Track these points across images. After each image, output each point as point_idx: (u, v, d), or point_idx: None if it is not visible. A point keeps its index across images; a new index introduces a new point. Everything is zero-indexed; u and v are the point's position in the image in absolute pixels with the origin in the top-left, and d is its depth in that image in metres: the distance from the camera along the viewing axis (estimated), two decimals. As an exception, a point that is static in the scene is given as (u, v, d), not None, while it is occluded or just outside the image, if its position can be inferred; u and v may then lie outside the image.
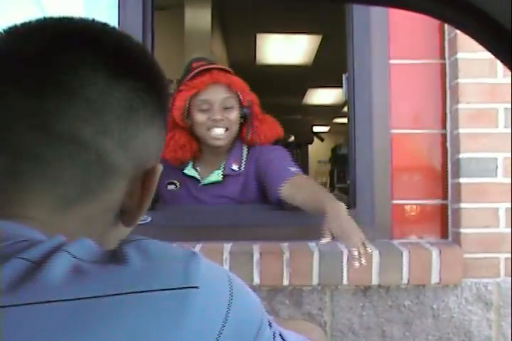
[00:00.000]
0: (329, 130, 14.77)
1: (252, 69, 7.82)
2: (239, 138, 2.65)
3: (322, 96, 11.19)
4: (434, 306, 2.42)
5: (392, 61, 2.59)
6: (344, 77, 2.67)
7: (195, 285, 0.64)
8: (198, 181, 2.69)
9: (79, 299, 0.60)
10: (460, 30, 0.86)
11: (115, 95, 0.75)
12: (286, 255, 2.33)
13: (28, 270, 0.62)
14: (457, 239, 2.46)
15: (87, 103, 0.73)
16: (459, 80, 2.43)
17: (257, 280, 2.34)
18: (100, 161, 0.75)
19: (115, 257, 0.66)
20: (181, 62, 5.46)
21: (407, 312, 2.42)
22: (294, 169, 2.42)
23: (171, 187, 2.71)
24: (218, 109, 2.53)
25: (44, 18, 0.80)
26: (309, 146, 8.26)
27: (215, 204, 2.65)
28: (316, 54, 8.23)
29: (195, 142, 2.64)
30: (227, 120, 2.54)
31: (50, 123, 0.72)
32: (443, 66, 2.56)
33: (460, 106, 2.45)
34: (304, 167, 8.41)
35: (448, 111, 2.57)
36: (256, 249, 2.36)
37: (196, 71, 2.56)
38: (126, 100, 0.76)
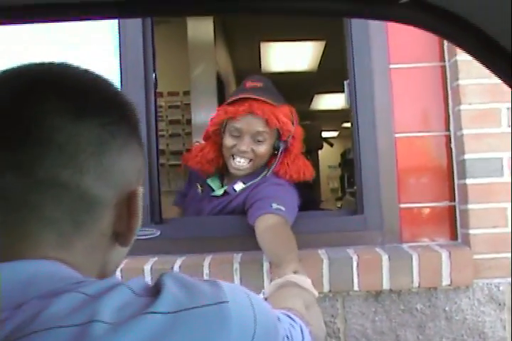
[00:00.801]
0: (338, 135, 14.77)
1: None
2: (265, 165, 2.66)
3: (329, 102, 11.18)
4: (447, 308, 2.42)
5: (392, 65, 2.60)
6: (346, 83, 2.67)
7: (225, 300, 0.77)
8: (213, 190, 2.72)
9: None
10: (461, 48, 0.88)
11: (84, 135, 0.80)
12: (296, 263, 2.34)
13: (85, 301, 0.72)
14: (467, 240, 2.47)
15: (59, 148, 0.78)
16: (460, 82, 2.43)
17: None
18: (83, 196, 0.81)
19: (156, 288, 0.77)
20: (186, 74, 5.50)
21: (420, 315, 2.42)
22: (277, 207, 2.36)
23: (198, 190, 2.76)
24: (247, 141, 2.54)
25: (12, 67, 0.86)
26: (319, 152, 8.26)
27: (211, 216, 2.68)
28: (321, 60, 8.24)
29: (222, 158, 2.67)
30: (254, 152, 2.55)
31: (32, 172, 0.77)
32: (443, 68, 2.57)
33: (462, 107, 2.45)
34: (315, 173, 8.40)
35: (451, 113, 2.57)
36: (266, 258, 2.37)
37: (236, 98, 2.58)
38: (95, 137, 0.81)
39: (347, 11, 0.84)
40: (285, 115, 2.55)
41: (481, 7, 0.77)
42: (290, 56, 8.38)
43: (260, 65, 8.71)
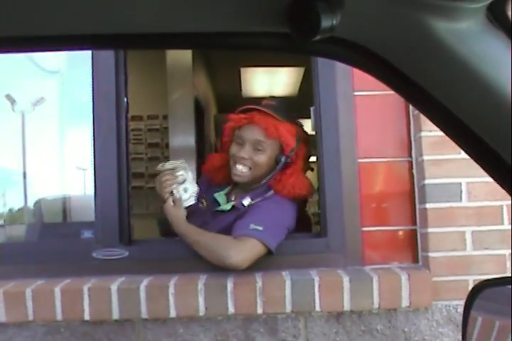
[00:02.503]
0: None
1: (239, 102, 7.90)
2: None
3: (310, 127, 11.19)
4: (406, 329, 2.47)
5: (356, 92, 2.67)
6: (311, 109, 2.75)
7: None
8: (219, 205, 2.79)
9: None
10: (372, 76, 0.95)
11: None
12: (259, 284, 2.40)
13: None
14: (427, 263, 2.53)
15: None
16: (420, 109, 2.51)
17: (231, 309, 2.40)
18: None
19: None
20: (165, 98, 5.57)
21: (380, 336, 2.47)
22: (254, 227, 2.44)
23: (200, 205, 2.82)
24: (248, 149, 2.65)
25: None
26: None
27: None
28: (301, 85, 8.34)
29: (228, 168, 2.76)
30: (253, 161, 2.64)
31: None
32: (405, 96, 2.64)
33: (423, 134, 2.53)
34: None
35: (412, 139, 2.64)
36: (230, 279, 2.42)
37: (242, 108, 2.73)
38: None
39: (275, 46, 0.91)
40: (288, 130, 2.65)
41: (389, 41, 0.85)
42: (270, 81, 8.46)
43: (241, 89, 8.79)
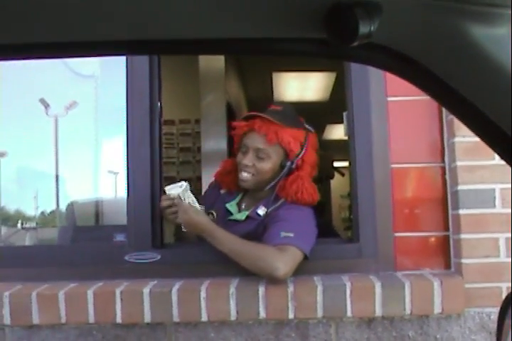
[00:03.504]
0: (349, 164, 14.65)
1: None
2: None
3: (341, 132, 11.15)
4: (438, 336, 2.46)
5: (389, 98, 2.67)
6: (344, 114, 2.74)
7: None
8: (231, 214, 2.79)
9: None
10: (410, 83, 0.95)
11: None
12: (291, 289, 2.40)
13: None
14: (459, 270, 2.51)
15: None
16: (454, 115, 2.49)
17: (263, 314, 2.40)
18: None
19: None
20: (198, 103, 5.59)
21: (412, 342, 2.46)
22: (285, 235, 2.44)
23: (210, 216, 2.77)
24: (251, 156, 2.64)
25: None
26: (331, 181, 8.29)
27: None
28: (332, 90, 8.33)
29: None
30: (256, 168, 2.64)
31: None
32: (438, 102, 2.63)
33: (456, 139, 2.52)
34: (327, 202, 8.44)
35: (445, 145, 2.63)
36: (261, 283, 2.43)
37: (246, 115, 2.75)
38: None
39: (311, 51, 0.92)
40: (291, 135, 2.62)
41: (426, 47, 0.85)
42: (302, 86, 8.46)
43: (273, 94, 8.80)
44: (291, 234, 2.43)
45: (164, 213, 2.57)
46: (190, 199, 2.53)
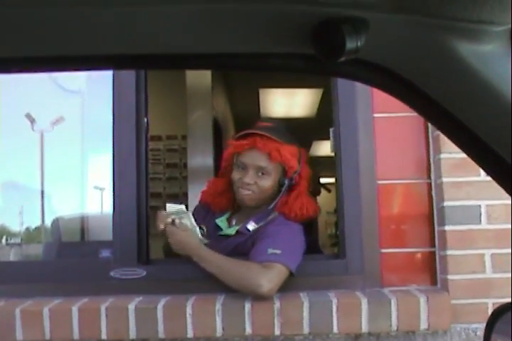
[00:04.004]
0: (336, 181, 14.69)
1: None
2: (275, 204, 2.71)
3: (328, 148, 11.19)
4: (425, 352, 2.45)
5: (376, 115, 2.68)
6: (331, 130, 2.75)
7: None
8: (221, 230, 2.78)
9: None
10: (394, 97, 0.96)
11: None
12: (277, 305, 2.39)
13: None
14: (445, 286, 2.51)
15: None
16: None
17: (249, 330, 2.39)
18: None
19: None
20: (184, 119, 5.59)
21: (399, 359, 2.45)
22: (272, 252, 2.43)
23: (200, 231, 2.76)
24: (252, 174, 2.63)
25: None
26: (318, 198, 8.32)
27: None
28: (319, 106, 8.36)
29: (232, 193, 2.76)
30: (257, 186, 2.63)
31: None
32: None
33: (442, 156, 2.53)
34: (314, 218, 8.45)
35: (432, 161, 2.64)
36: (247, 300, 2.42)
37: (242, 133, 2.71)
38: None
39: (299, 67, 0.92)
40: (290, 152, 2.64)
41: (413, 64, 0.85)
42: (289, 102, 8.49)
43: (259, 110, 8.82)
44: (278, 251, 2.42)
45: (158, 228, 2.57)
46: (188, 221, 2.55)
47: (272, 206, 2.66)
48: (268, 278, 2.36)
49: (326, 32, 0.78)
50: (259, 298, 2.39)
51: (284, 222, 2.64)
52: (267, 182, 2.63)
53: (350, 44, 0.76)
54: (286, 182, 2.64)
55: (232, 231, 2.72)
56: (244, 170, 2.65)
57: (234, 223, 2.80)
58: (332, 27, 0.77)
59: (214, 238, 2.74)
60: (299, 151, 2.70)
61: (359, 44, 0.76)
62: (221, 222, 2.80)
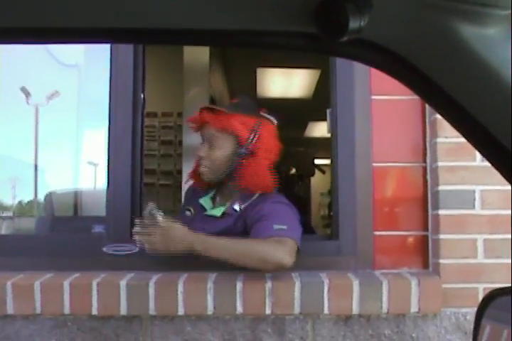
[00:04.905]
0: (331, 162, 14.71)
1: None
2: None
3: (323, 129, 11.18)
4: (414, 335, 2.46)
5: (373, 97, 2.67)
6: (328, 111, 2.74)
7: None
8: (205, 210, 2.76)
9: None
10: (393, 77, 0.95)
11: None
12: (269, 284, 2.39)
13: None
14: (437, 270, 2.52)
15: None
16: (437, 115, 2.49)
17: (240, 309, 2.40)
18: None
19: None
20: (180, 96, 5.57)
21: (388, 341, 2.47)
22: (278, 227, 2.39)
23: (188, 213, 2.79)
24: (205, 146, 2.65)
25: None
26: (312, 179, 8.33)
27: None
28: (316, 87, 8.34)
29: None
30: (210, 159, 2.63)
31: None
32: (423, 102, 2.63)
33: (439, 140, 2.52)
34: (307, 199, 8.48)
35: (428, 145, 2.64)
36: (239, 279, 2.42)
37: (199, 109, 2.70)
38: None
39: (300, 45, 0.91)
40: (241, 122, 2.62)
41: (415, 45, 0.85)
42: (286, 83, 8.46)
43: (256, 89, 8.79)
44: (284, 227, 2.39)
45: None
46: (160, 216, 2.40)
47: (223, 176, 2.65)
48: (286, 250, 2.31)
49: (329, 10, 0.77)
50: (282, 269, 2.32)
51: (275, 199, 2.62)
52: (217, 153, 2.62)
53: (353, 23, 0.75)
54: (243, 151, 2.61)
55: (218, 212, 2.69)
56: (201, 145, 2.68)
57: (218, 201, 2.79)
58: (335, 6, 0.76)
59: (199, 218, 2.73)
60: (257, 122, 2.65)
61: (362, 24, 0.76)
62: (204, 201, 2.78)
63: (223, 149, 2.62)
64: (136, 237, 2.36)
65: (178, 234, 2.35)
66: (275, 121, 2.72)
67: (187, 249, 2.33)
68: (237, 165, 2.61)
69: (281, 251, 2.31)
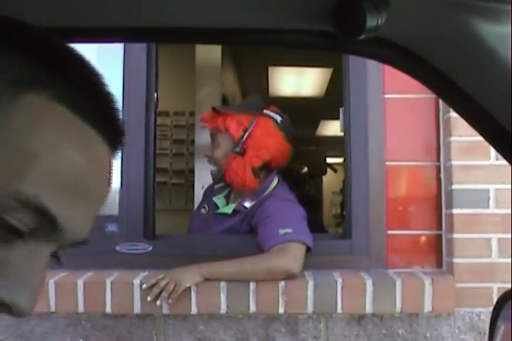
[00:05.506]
0: (343, 161, 14.67)
1: (265, 101, 7.91)
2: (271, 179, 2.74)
3: (335, 128, 11.16)
4: (428, 335, 2.46)
5: (387, 95, 2.66)
6: (341, 110, 2.73)
7: None
8: (218, 208, 2.79)
9: None
10: (409, 75, 0.95)
11: None
12: (282, 284, 2.39)
13: None
14: (451, 269, 2.51)
15: None
16: (451, 114, 2.48)
17: (253, 308, 2.40)
18: None
19: None
20: (192, 95, 5.57)
21: (401, 340, 2.45)
22: (284, 232, 2.42)
23: (203, 210, 2.85)
24: (210, 147, 2.77)
25: None
26: (323, 177, 8.31)
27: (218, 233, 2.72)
28: (328, 86, 8.31)
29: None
30: (212, 157, 2.74)
31: None
32: (436, 100, 2.63)
33: (453, 138, 2.51)
34: (319, 198, 8.45)
35: (441, 144, 2.63)
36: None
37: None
38: None
39: (317, 44, 0.91)
40: (236, 121, 2.66)
41: (432, 43, 0.84)
42: (298, 81, 8.44)
43: (268, 88, 8.78)
44: (290, 230, 2.42)
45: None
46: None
47: (221, 173, 2.74)
48: (291, 258, 2.36)
49: (347, 9, 0.77)
50: (290, 278, 2.39)
51: (282, 196, 2.65)
52: (218, 153, 2.71)
53: (371, 21, 0.75)
54: (238, 150, 2.63)
55: (228, 209, 2.72)
56: (210, 144, 2.79)
57: (231, 199, 2.82)
58: (353, 4, 0.76)
59: (212, 216, 2.77)
60: (252, 120, 2.65)
61: (379, 22, 0.75)
62: (218, 199, 2.82)
63: (222, 149, 2.70)
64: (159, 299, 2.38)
65: (182, 272, 2.38)
66: (278, 119, 2.71)
67: (200, 279, 2.39)
68: (228, 162, 2.67)
69: (287, 260, 2.36)
